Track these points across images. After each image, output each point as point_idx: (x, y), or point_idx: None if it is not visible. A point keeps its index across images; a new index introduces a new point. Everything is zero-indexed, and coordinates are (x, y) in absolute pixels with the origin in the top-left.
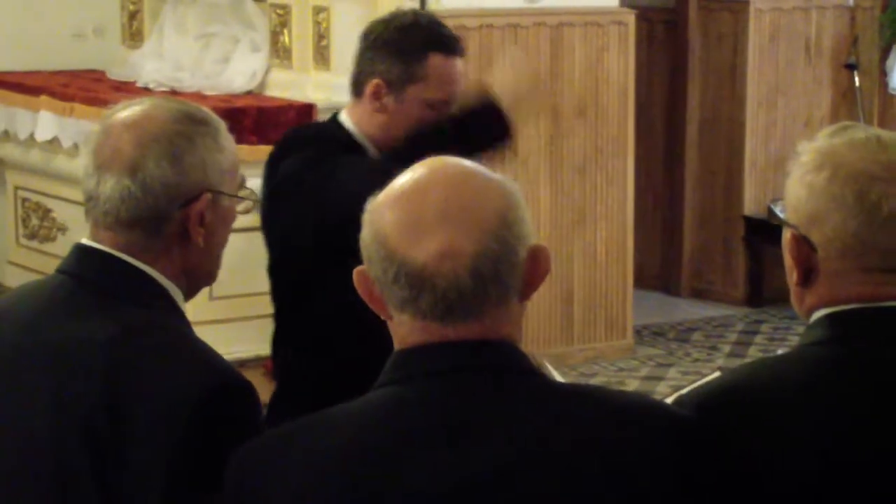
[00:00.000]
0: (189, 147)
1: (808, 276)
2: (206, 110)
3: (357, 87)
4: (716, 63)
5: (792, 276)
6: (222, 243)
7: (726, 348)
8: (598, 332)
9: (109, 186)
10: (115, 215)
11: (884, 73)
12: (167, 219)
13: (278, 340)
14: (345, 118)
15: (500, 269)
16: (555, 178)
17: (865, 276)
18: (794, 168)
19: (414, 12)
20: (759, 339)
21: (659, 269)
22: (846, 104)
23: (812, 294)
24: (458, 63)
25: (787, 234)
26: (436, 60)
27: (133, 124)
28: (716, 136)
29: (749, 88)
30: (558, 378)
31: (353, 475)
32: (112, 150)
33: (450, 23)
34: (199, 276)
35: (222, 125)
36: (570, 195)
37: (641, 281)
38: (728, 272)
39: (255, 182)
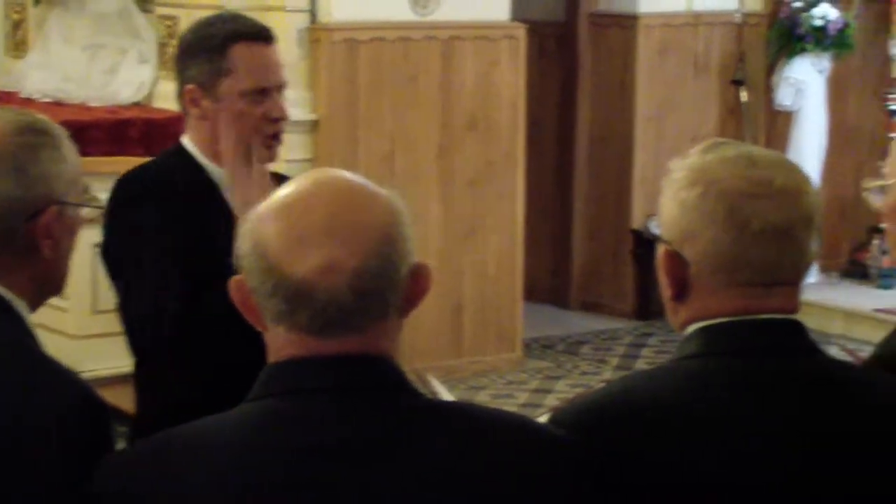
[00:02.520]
0: (32, 160)
1: (681, 291)
2: (46, 119)
3: (181, 102)
4: (606, 78)
5: (666, 292)
6: (70, 252)
7: (615, 361)
8: (487, 345)
9: None
10: None
11: (770, 89)
12: (13, 233)
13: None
14: (187, 141)
15: (381, 286)
16: (445, 191)
17: (738, 291)
18: (668, 185)
19: (218, 13)
20: (646, 351)
21: (549, 282)
22: (733, 119)
23: (686, 308)
24: (267, 50)
25: (661, 250)
26: (239, 50)
27: None
28: (606, 150)
29: (638, 103)
30: (445, 392)
31: (235, 493)
32: None
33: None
34: (48, 287)
35: (64, 134)
36: (461, 209)
37: (531, 294)
38: (617, 286)
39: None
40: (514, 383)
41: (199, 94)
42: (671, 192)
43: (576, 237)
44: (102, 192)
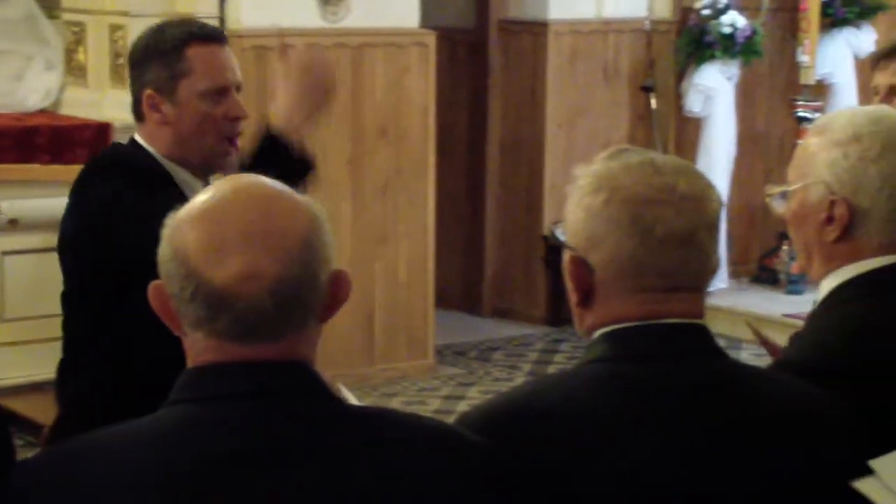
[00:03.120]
0: None
1: (587, 296)
2: None
3: (136, 108)
4: (516, 84)
5: (572, 297)
6: None
7: (527, 367)
8: (399, 352)
9: None
10: None
11: (679, 96)
12: None
13: (68, 368)
14: (143, 143)
15: (301, 293)
16: (356, 198)
17: (642, 296)
18: (573, 191)
19: (165, 20)
20: (559, 357)
21: (461, 289)
22: (643, 126)
23: (592, 314)
24: (222, 50)
25: (566, 256)
26: (194, 51)
27: None
28: (517, 157)
29: (549, 110)
30: (353, 400)
31: (145, 499)
32: None
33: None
34: None
35: None
36: (372, 215)
37: (444, 301)
38: (529, 292)
39: (41, 202)
40: (427, 390)
41: (158, 99)
42: (576, 198)
43: (487, 244)
44: (7, 201)
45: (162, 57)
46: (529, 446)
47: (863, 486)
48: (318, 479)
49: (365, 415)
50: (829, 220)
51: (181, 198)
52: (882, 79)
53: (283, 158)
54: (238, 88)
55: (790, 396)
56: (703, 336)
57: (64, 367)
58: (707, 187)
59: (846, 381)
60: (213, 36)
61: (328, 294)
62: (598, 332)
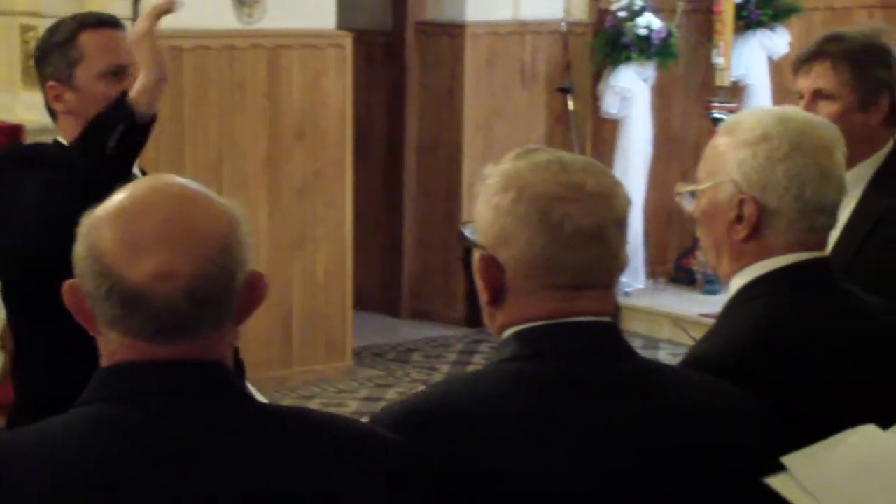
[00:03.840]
0: None
1: (497, 295)
2: None
3: (47, 106)
4: (434, 86)
5: (483, 296)
6: None
7: (445, 368)
8: (317, 354)
9: None
10: None
11: (596, 98)
12: None
13: (20, 358)
14: (61, 139)
15: (217, 293)
16: (273, 200)
17: (553, 294)
18: (482, 191)
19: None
20: (477, 358)
21: (379, 290)
22: (561, 127)
23: (503, 313)
24: (115, 33)
25: (476, 255)
26: (87, 36)
27: None
28: (435, 158)
29: (466, 112)
30: (263, 400)
31: (53, 497)
32: None
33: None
34: None
35: None
36: (289, 218)
37: (362, 303)
38: (447, 293)
39: None
40: (345, 392)
41: (59, 90)
42: (485, 197)
43: (406, 245)
44: None
45: (58, 48)
46: (441, 446)
47: (775, 482)
48: (224, 479)
49: (278, 414)
50: (739, 218)
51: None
52: (805, 83)
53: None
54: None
55: (699, 394)
56: (612, 334)
57: (16, 357)
58: (614, 184)
59: (755, 377)
60: (104, 21)
61: (244, 295)
62: (508, 332)
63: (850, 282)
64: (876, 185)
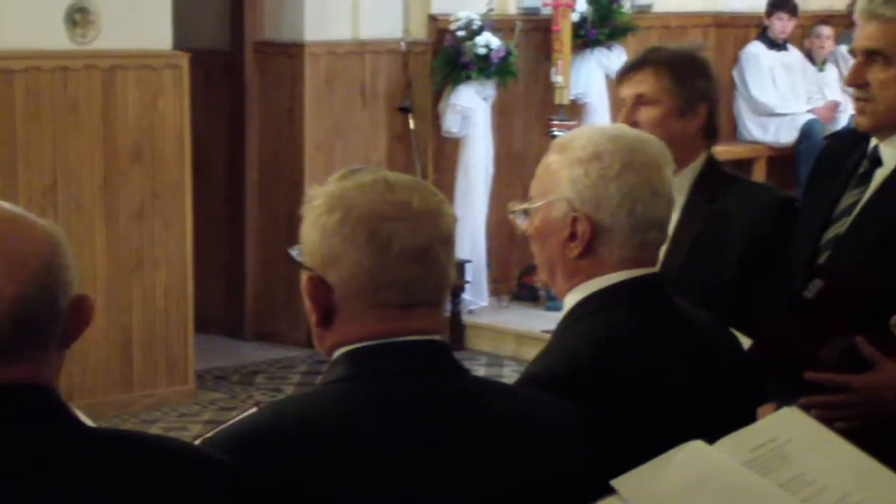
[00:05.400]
0: None
1: (327, 316)
2: None
3: None
4: (274, 106)
5: (312, 317)
6: None
7: (290, 389)
8: (158, 377)
9: None
10: None
11: (437, 116)
12: None
13: None
14: None
15: (40, 316)
16: (110, 223)
17: (382, 313)
18: (308, 212)
19: None
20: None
21: (222, 312)
22: (402, 146)
23: (332, 334)
24: None
25: (304, 277)
26: None
27: None
28: (276, 179)
29: (307, 131)
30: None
31: None
32: None
33: None
34: None
35: None
36: (127, 240)
37: (205, 325)
38: (291, 314)
39: None
40: (187, 415)
41: None
42: (311, 218)
43: (248, 266)
44: None
45: None
46: (271, 467)
47: None
48: (46, 501)
49: (104, 436)
50: (572, 236)
51: None
52: (627, 90)
53: None
54: None
55: (529, 411)
56: (441, 352)
57: None
58: (440, 203)
59: (592, 392)
60: None
61: (70, 318)
62: (339, 352)
63: (680, 288)
64: (697, 192)
